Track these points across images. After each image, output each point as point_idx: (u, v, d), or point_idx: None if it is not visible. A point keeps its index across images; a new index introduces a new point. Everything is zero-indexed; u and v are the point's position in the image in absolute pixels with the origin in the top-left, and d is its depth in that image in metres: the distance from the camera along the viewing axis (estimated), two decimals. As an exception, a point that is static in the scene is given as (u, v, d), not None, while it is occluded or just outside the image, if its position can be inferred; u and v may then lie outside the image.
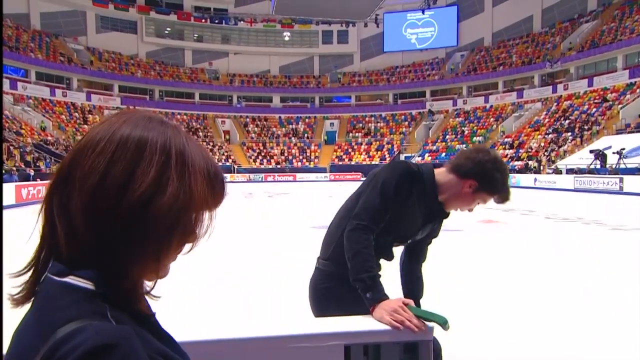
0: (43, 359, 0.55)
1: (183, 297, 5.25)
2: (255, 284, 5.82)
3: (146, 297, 0.72)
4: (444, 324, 1.45)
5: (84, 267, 0.62)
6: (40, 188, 19.85)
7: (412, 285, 2.07)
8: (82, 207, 0.61)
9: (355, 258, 1.70)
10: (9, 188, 17.29)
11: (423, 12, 47.62)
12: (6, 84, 37.23)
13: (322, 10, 46.92)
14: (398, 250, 2.06)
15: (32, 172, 22.85)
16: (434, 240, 2.11)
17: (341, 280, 1.81)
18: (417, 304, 2.00)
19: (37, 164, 25.73)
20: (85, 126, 40.18)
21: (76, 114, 41.92)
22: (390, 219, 1.82)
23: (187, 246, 0.71)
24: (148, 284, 0.72)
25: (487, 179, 1.80)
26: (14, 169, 22.25)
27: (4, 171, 20.06)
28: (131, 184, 0.61)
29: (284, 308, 4.64)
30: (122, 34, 49.25)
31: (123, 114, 0.68)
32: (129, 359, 0.56)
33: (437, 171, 1.90)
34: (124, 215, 0.61)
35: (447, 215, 1.98)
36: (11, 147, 25.41)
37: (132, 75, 47.86)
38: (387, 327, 1.45)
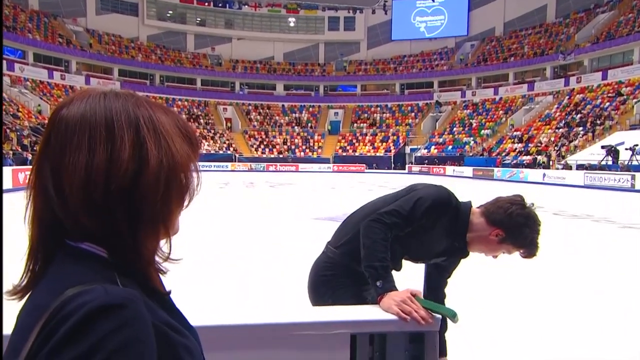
0: (52, 313, 0.58)
1: (186, 286, 5.26)
2: (254, 273, 5.87)
3: (163, 268, 0.75)
4: (453, 316, 1.48)
5: (100, 238, 0.66)
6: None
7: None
8: (80, 201, 0.63)
9: (372, 246, 1.75)
10: (5, 172, 17.35)
11: (433, 0, 47.21)
12: (3, 65, 37.27)
13: None
14: (409, 267, 2.12)
15: (29, 156, 23.01)
16: None
17: (346, 272, 1.92)
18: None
19: (34, 148, 25.81)
20: None
21: None
22: (410, 234, 1.89)
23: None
24: (161, 256, 0.74)
25: (514, 233, 1.85)
26: (11, 152, 22.33)
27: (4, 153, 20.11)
28: (113, 168, 0.63)
29: (285, 296, 4.65)
30: (123, 16, 49.24)
31: (79, 98, 0.69)
32: (134, 320, 0.58)
33: (472, 210, 1.95)
34: (117, 199, 0.64)
35: (466, 254, 2.03)
36: (8, 130, 25.50)
37: (132, 59, 47.96)
38: (394, 317, 1.48)
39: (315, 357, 1.43)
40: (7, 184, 17.21)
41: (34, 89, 38.57)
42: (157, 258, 0.74)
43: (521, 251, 1.90)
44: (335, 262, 1.97)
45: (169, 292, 0.73)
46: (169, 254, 0.75)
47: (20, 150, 24.04)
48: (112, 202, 0.64)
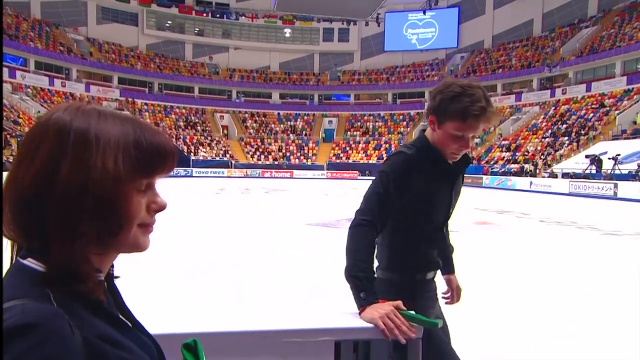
0: None
1: (175, 288, 5.37)
2: (249, 280, 5.82)
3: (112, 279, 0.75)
4: (435, 325, 1.44)
5: (36, 251, 0.64)
6: None
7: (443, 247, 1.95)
8: (11, 214, 0.64)
9: (354, 256, 1.60)
10: (5, 177, 17.26)
11: (424, 13, 47.62)
12: (5, 73, 37.20)
13: (323, 8, 46.87)
14: None
15: None
16: None
17: (400, 289, 1.72)
18: (450, 263, 2.04)
19: None
20: None
21: None
22: (424, 207, 1.73)
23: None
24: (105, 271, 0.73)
25: (438, 106, 1.64)
26: (11, 157, 22.19)
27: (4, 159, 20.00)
28: (28, 173, 0.63)
29: (280, 302, 4.65)
30: (123, 26, 49.36)
31: (60, 109, 0.68)
32: (50, 338, 0.56)
33: (427, 133, 1.76)
34: (31, 202, 0.63)
35: (459, 169, 1.80)
36: (8, 136, 25.48)
37: (131, 67, 47.99)
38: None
39: None
40: (7, 188, 17.16)
41: (34, 96, 38.64)
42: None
43: (466, 120, 1.59)
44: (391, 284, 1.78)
45: (103, 302, 0.68)
46: (108, 271, 0.74)
47: (20, 155, 23.94)
48: (26, 214, 0.63)
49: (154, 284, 5.53)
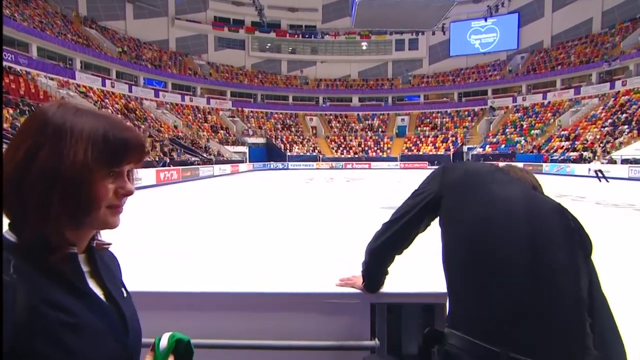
0: None
1: (254, 253, 5.72)
2: (326, 249, 5.94)
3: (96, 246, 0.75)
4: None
5: (15, 225, 0.65)
6: (173, 172, 21.67)
7: None
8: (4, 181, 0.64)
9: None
10: (150, 172, 18.91)
11: (486, 20, 45.33)
12: (151, 93, 40.80)
13: (395, 22, 46.02)
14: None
15: (167, 160, 23.97)
16: None
17: None
18: None
19: (172, 154, 27.11)
20: (206, 124, 42.62)
21: (199, 114, 43.85)
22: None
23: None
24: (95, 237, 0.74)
25: None
26: (157, 157, 24.02)
27: (149, 158, 21.95)
28: (9, 163, 0.63)
29: (339, 269, 4.66)
30: (234, 50, 51.18)
31: (47, 105, 0.70)
32: None
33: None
34: (13, 182, 0.63)
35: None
36: (153, 141, 27.26)
37: (240, 82, 49.65)
38: (408, 291, 1.40)
39: (343, 321, 1.40)
40: (151, 181, 18.60)
41: (171, 110, 40.97)
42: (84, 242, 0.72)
43: None
44: None
45: (65, 274, 0.67)
46: (93, 240, 0.74)
47: (162, 155, 25.16)
48: (9, 193, 0.63)
49: (255, 246, 6.16)
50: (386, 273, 1.31)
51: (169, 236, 7.21)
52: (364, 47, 54.07)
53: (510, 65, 48.05)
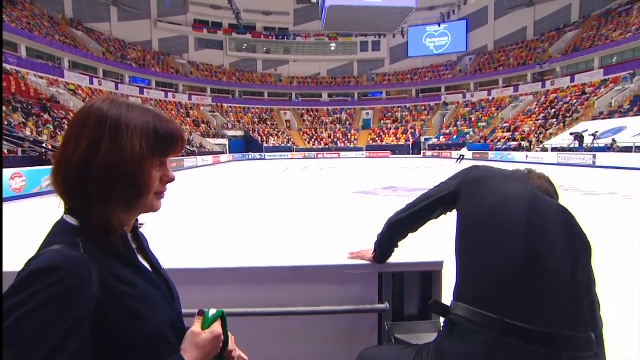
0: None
1: (257, 235, 5.69)
2: (310, 228, 6.03)
3: (137, 229, 0.77)
4: None
5: (76, 210, 0.66)
6: None
7: None
8: (58, 181, 0.66)
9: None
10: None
11: (439, 25, 46.85)
12: (136, 91, 39.65)
13: (360, 26, 46.46)
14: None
15: None
16: None
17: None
18: None
19: None
20: (188, 119, 41.65)
21: (182, 110, 43.10)
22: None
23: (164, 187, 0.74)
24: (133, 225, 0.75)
25: None
26: None
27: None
28: (74, 157, 0.64)
29: (335, 245, 4.68)
30: (213, 51, 50.24)
31: (99, 101, 0.69)
32: (65, 279, 0.56)
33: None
34: (76, 180, 0.64)
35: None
36: None
37: (219, 80, 48.85)
38: (411, 261, 1.39)
39: (356, 288, 1.38)
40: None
41: (155, 106, 39.15)
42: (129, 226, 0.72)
43: None
44: None
45: (122, 252, 0.69)
46: (135, 224, 0.75)
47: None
48: (74, 182, 0.64)
49: (247, 228, 6.14)
50: (397, 246, 1.33)
51: (187, 219, 7.17)
52: (332, 48, 54.17)
53: (460, 66, 49.71)
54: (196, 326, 0.73)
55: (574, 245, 0.99)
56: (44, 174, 11.31)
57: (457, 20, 48.17)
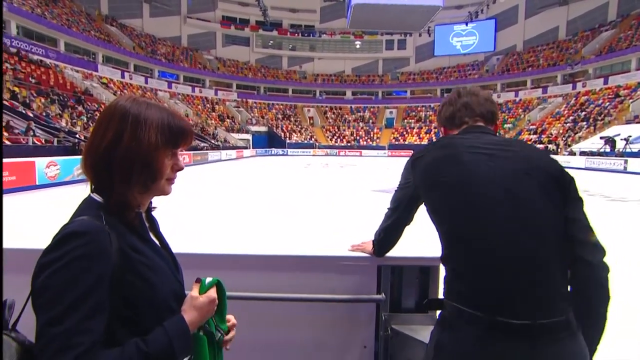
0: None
1: (267, 225, 5.99)
2: (325, 222, 6.21)
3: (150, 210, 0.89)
4: None
5: (100, 190, 0.78)
6: (185, 156, 21.79)
7: None
8: (86, 165, 0.78)
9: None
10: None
11: (467, 25, 45.96)
12: (164, 85, 40.66)
13: (386, 24, 46.20)
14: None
15: None
16: None
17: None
18: None
19: None
20: (214, 113, 42.40)
21: (207, 104, 43.61)
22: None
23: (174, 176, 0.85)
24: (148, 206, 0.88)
25: (445, 119, 1.28)
26: None
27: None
28: (101, 145, 0.76)
29: (344, 238, 3.47)
30: (239, 47, 50.79)
31: (123, 99, 0.81)
32: (91, 242, 0.68)
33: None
34: (102, 165, 0.76)
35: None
36: None
37: (245, 76, 49.42)
38: (409, 255, 1.41)
39: (355, 279, 1.41)
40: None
41: (183, 100, 40.76)
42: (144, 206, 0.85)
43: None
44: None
45: (137, 227, 0.80)
46: (150, 205, 0.89)
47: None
48: (100, 166, 0.76)
49: (266, 221, 6.37)
50: (395, 244, 1.34)
51: (207, 209, 7.63)
52: (357, 46, 53.95)
53: (487, 66, 48.68)
54: (194, 291, 0.84)
55: (523, 220, 0.96)
56: (76, 164, 11.91)
57: (486, 20, 47.06)
